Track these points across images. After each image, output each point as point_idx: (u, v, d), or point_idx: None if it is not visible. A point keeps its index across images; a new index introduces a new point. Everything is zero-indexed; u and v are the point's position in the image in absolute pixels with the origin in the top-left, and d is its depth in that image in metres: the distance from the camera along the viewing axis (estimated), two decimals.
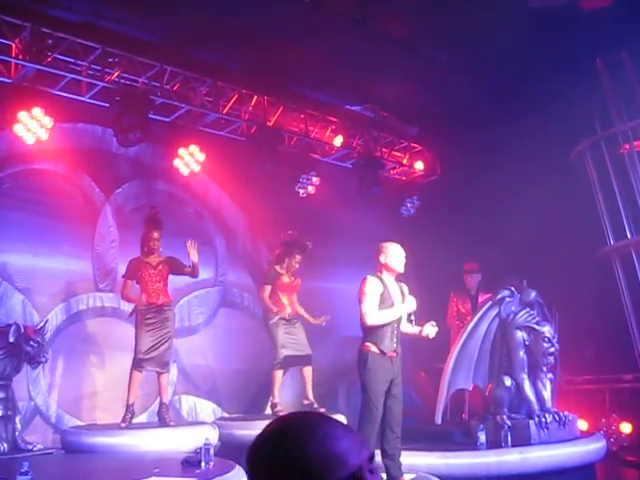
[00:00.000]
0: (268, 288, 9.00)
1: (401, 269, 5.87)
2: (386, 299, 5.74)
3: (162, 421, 8.02)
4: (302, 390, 9.08)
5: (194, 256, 8.29)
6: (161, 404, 8.19)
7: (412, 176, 12.17)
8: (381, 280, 5.79)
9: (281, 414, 7.57)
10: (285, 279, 9.11)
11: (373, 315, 5.66)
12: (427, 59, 9.23)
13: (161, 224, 8.39)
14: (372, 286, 5.75)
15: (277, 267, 9.16)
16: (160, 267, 8.37)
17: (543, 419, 7.02)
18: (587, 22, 7.82)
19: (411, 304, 5.90)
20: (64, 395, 8.83)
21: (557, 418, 7.12)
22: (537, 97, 9.14)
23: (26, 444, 7.20)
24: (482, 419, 7.31)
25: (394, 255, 5.80)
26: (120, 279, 8.75)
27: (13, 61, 7.98)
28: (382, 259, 5.82)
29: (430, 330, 5.98)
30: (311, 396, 8.77)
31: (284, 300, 9.09)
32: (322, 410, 8.42)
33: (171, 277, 8.52)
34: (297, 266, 9.16)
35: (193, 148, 9.67)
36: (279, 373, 8.80)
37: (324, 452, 1.21)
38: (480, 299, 9.23)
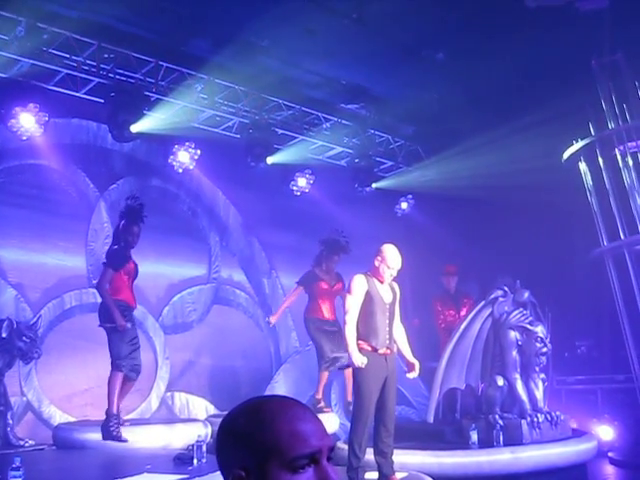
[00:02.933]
0: (300, 289, 8.77)
1: (388, 280, 5.82)
2: (373, 297, 5.73)
3: (114, 437, 6.93)
4: (343, 388, 9.22)
5: None
6: (117, 415, 7.11)
7: (407, 175, 12.16)
8: (369, 279, 5.77)
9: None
10: (324, 285, 8.69)
11: (350, 317, 5.66)
12: (423, 58, 9.23)
13: (143, 217, 7.47)
14: (357, 285, 5.73)
15: (317, 270, 8.74)
16: (136, 266, 7.54)
17: (535, 419, 7.03)
18: (583, 23, 7.83)
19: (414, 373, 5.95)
20: (56, 391, 8.81)
21: (549, 418, 7.13)
22: (532, 98, 9.15)
23: (18, 440, 7.20)
24: (474, 418, 7.32)
25: (388, 265, 5.74)
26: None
27: (8, 56, 7.95)
28: (376, 263, 5.79)
29: (412, 375, 5.99)
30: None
31: (324, 308, 8.66)
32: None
33: (165, 272, 8.45)
34: (334, 267, 8.72)
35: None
36: (326, 374, 8.66)
37: (290, 429, 1.35)
38: (463, 306, 9.27)
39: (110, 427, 6.91)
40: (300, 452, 1.33)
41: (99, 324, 7.26)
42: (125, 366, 7.11)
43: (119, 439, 6.86)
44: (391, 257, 5.74)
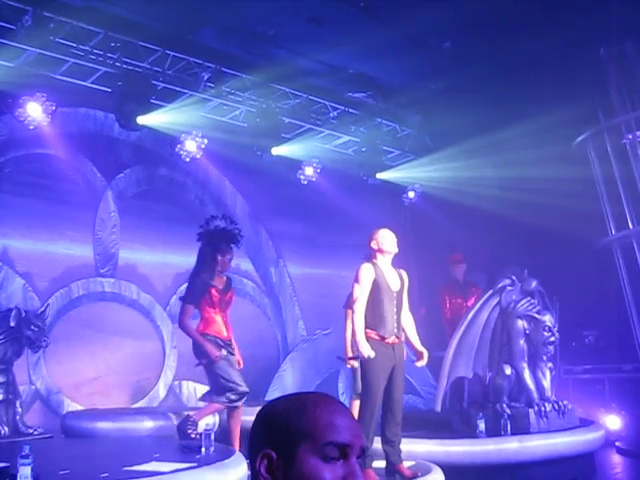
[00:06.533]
0: None
1: (395, 249, 5.81)
2: (380, 285, 5.71)
3: (191, 438, 6.36)
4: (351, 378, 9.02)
5: None
6: (197, 423, 6.60)
7: (414, 166, 12.12)
8: (375, 266, 5.77)
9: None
10: None
11: (358, 306, 5.65)
12: (430, 47, 9.19)
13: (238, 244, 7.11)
14: (364, 273, 5.73)
15: None
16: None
17: (542, 408, 7.02)
18: (592, 11, 7.78)
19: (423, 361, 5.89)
20: (64, 379, 8.85)
21: (556, 407, 7.12)
22: (541, 86, 9.10)
23: (27, 428, 7.23)
24: (482, 407, 7.32)
25: (384, 236, 5.77)
26: (121, 264, 8.70)
27: (15, 45, 7.95)
28: (374, 245, 5.80)
29: (420, 363, 5.95)
30: None
31: None
32: None
33: (172, 261, 8.43)
34: None
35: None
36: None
37: (328, 418, 1.38)
38: (471, 295, 9.19)
39: (188, 429, 6.45)
40: (334, 438, 1.36)
41: None
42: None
43: (195, 440, 6.16)
44: (383, 231, 5.80)
